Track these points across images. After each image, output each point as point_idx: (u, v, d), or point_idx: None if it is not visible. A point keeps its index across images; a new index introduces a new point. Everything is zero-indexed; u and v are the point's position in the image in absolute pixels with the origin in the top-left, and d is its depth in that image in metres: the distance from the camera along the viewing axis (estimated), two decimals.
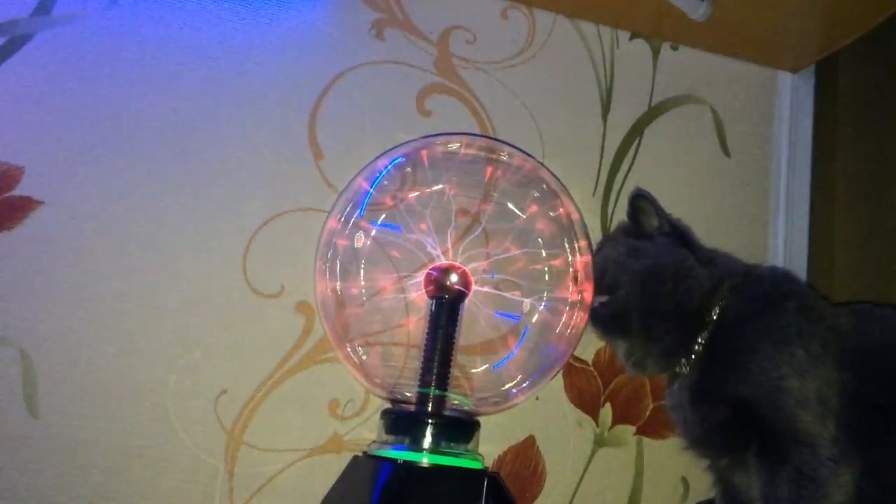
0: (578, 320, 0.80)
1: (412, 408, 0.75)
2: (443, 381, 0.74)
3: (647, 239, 0.86)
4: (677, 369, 0.81)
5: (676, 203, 1.06)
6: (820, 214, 1.15)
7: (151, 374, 0.85)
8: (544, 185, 0.83)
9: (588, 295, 0.80)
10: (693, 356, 0.79)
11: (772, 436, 0.73)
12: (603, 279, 0.82)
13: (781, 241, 1.13)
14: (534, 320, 0.81)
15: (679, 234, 0.86)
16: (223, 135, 0.92)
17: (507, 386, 0.79)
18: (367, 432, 0.89)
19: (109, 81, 0.89)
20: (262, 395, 0.87)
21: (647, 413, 1.01)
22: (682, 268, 0.81)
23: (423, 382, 0.74)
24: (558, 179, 0.86)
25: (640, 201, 0.89)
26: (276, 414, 0.87)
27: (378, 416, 0.75)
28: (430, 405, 0.74)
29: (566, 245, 0.82)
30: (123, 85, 0.89)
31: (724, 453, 0.79)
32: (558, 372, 0.83)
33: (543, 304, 0.81)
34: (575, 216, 0.83)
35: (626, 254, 0.83)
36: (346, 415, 0.90)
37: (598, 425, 0.99)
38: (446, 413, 0.74)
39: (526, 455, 0.95)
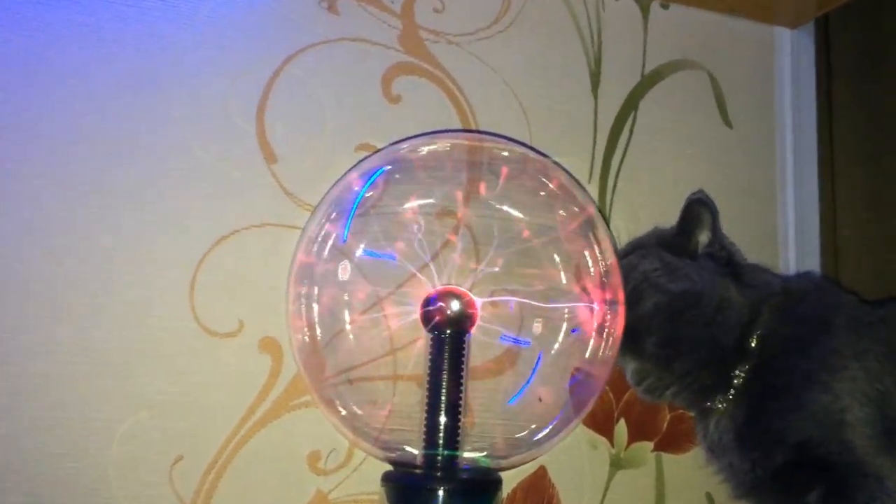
0: (609, 341, 0.67)
1: (418, 471, 0.62)
2: (453, 439, 0.61)
3: (688, 257, 0.75)
4: (710, 404, 0.72)
5: (679, 183, 0.95)
6: (827, 184, 1.05)
7: (88, 443, 0.69)
8: (553, 185, 0.69)
9: (620, 307, 0.68)
10: (732, 391, 0.70)
11: (837, 473, 0.65)
12: (624, 290, 0.70)
13: (791, 217, 1.02)
14: (557, 343, 0.67)
15: (727, 259, 0.76)
16: (153, 140, 0.74)
17: (527, 430, 0.66)
18: (356, 486, 0.76)
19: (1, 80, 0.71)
20: (226, 457, 0.72)
21: (665, 426, 0.90)
22: (725, 300, 0.71)
23: (430, 442, 0.61)
24: (571, 175, 0.72)
25: (700, 209, 0.77)
26: (246, 477, 0.73)
27: (366, 465, 0.62)
28: (440, 469, 0.60)
29: (585, 251, 0.68)
30: (20, 84, 0.71)
31: (782, 502, 0.69)
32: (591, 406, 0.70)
33: (564, 323, 0.68)
34: (593, 217, 0.70)
35: (662, 270, 0.72)
36: (329, 468, 0.75)
37: (613, 445, 0.87)
38: (460, 476, 0.61)
39: (538, 489, 0.83)
